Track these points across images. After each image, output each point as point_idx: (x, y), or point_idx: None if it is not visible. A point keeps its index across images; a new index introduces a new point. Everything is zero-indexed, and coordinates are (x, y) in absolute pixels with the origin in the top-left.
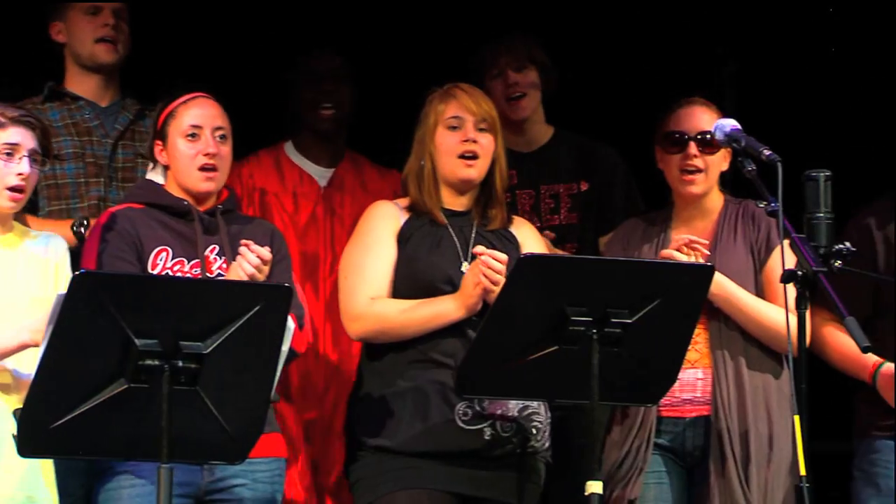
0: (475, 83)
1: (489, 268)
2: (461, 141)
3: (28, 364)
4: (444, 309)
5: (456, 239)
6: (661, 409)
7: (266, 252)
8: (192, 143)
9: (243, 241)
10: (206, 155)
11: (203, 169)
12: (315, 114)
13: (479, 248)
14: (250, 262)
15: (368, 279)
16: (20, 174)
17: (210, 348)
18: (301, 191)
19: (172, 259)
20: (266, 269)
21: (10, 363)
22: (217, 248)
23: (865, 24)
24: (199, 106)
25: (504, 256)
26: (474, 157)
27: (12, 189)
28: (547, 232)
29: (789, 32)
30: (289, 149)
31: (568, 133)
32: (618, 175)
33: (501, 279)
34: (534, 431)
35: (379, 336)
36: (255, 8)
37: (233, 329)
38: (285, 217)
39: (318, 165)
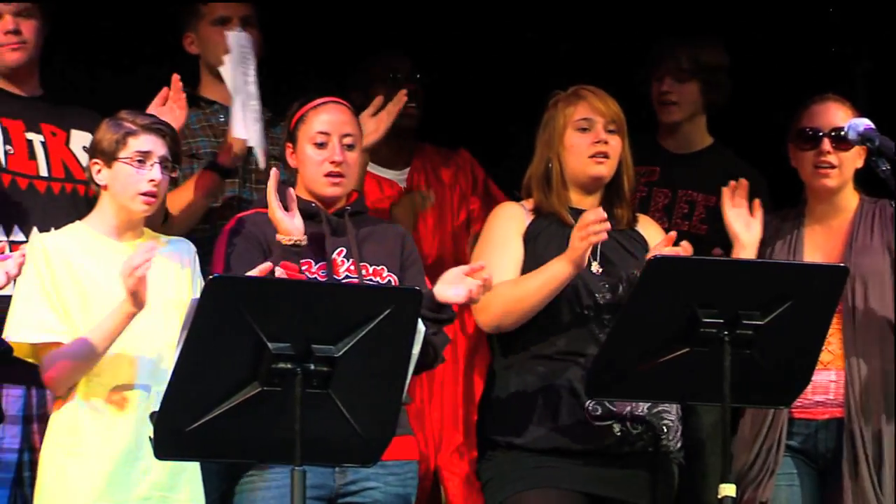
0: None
1: (592, 224)
2: (592, 142)
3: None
4: (554, 271)
5: None
6: (792, 410)
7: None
8: (320, 150)
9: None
10: (333, 163)
11: (329, 175)
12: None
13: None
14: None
15: (497, 277)
16: (152, 180)
17: (342, 351)
18: (385, 197)
19: (300, 261)
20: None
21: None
22: (344, 250)
23: None
24: (328, 112)
25: (602, 212)
26: (605, 156)
27: (145, 195)
28: (716, 249)
29: None
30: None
31: (727, 150)
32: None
33: (604, 233)
34: (664, 430)
35: (505, 318)
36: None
37: (364, 332)
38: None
39: (392, 170)
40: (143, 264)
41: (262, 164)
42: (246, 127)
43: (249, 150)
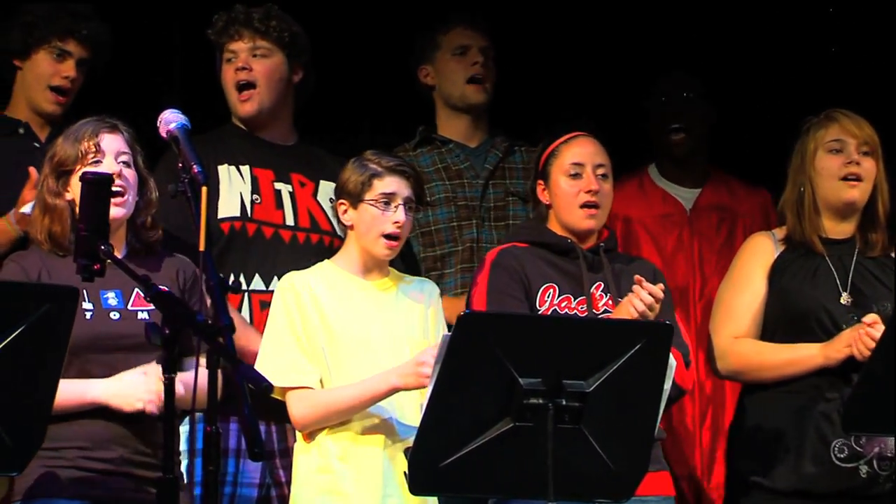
0: None
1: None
2: (844, 164)
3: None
4: (804, 356)
5: (833, 269)
6: None
7: (658, 290)
8: (574, 181)
9: (637, 278)
10: (588, 192)
11: (585, 206)
12: (667, 138)
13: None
14: (643, 299)
15: (733, 317)
16: (396, 222)
17: (593, 386)
18: (666, 214)
19: (559, 296)
20: (657, 307)
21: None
22: (602, 284)
23: None
24: (579, 144)
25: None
26: (857, 179)
27: (388, 237)
28: None
29: None
30: (652, 172)
31: None
32: None
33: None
34: None
35: (739, 376)
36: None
37: (615, 367)
38: (650, 245)
39: (681, 187)
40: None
41: None
42: None
43: (487, 181)
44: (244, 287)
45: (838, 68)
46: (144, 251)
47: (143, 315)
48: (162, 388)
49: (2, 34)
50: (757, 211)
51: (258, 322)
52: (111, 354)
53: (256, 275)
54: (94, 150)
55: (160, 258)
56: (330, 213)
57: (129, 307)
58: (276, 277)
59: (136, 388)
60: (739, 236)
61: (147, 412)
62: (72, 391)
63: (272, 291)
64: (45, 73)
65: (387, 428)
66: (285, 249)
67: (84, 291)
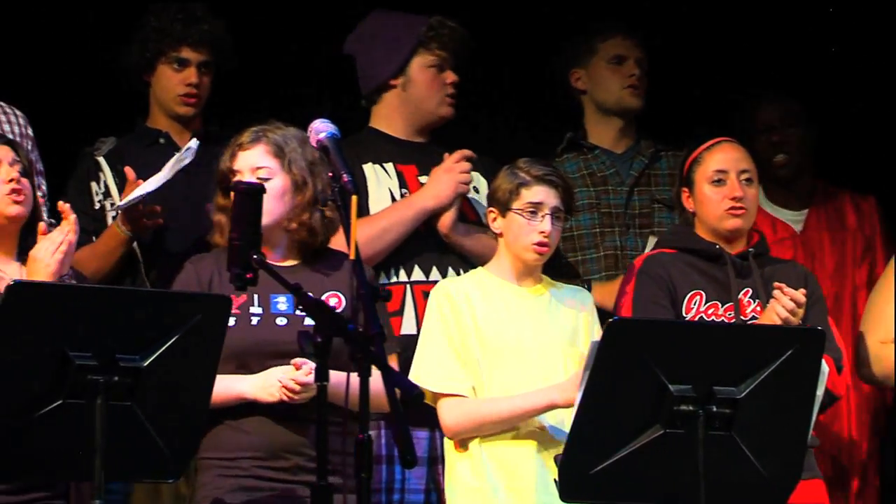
0: None
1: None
2: None
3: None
4: None
5: None
6: None
7: (800, 295)
8: (718, 188)
9: (776, 284)
10: (733, 199)
11: (731, 210)
12: (769, 163)
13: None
14: (784, 305)
15: (884, 322)
16: (542, 232)
17: (744, 393)
18: (778, 240)
19: (706, 303)
20: (801, 311)
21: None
22: (750, 290)
23: None
24: (723, 151)
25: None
26: None
27: (536, 245)
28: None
29: None
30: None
31: None
32: None
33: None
34: None
35: (885, 381)
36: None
37: (766, 373)
38: None
39: (788, 210)
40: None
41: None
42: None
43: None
44: (405, 279)
45: None
46: (312, 257)
47: (309, 321)
48: (307, 381)
49: (125, 52)
50: (866, 224)
51: (422, 312)
52: (273, 360)
53: (416, 266)
54: (230, 171)
55: (334, 263)
56: (475, 204)
57: (298, 312)
58: (434, 267)
59: (279, 379)
60: (849, 251)
61: (288, 400)
62: (221, 386)
63: (433, 281)
64: (170, 84)
65: (540, 435)
66: (439, 240)
67: (255, 296)
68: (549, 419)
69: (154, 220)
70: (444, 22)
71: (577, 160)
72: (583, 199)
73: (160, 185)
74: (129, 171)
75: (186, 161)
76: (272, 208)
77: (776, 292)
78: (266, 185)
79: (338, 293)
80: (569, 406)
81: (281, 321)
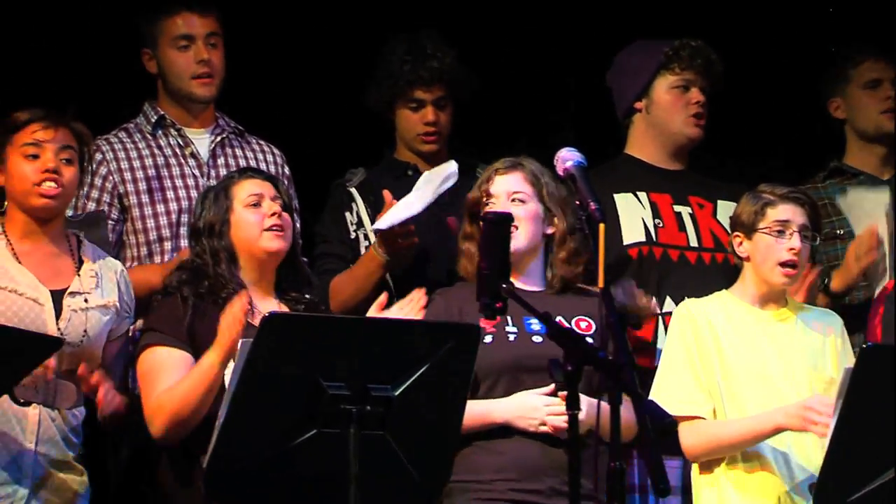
0: None
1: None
2: None
3: None
4: None
5: None
6: None
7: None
8: None
9: None
10: None
11: None
12: None
13: None
14: None
15: None
16: (791, 249)
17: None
18: None
19: None
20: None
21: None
22: None
23: None
24: None
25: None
26: None
27: (783, 265)
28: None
29: None
30: None
31: None
32: None
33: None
34: None
35: None
36: None
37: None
38: None
39: None
40: None
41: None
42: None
43: None
44: (658, 310)
45: None
46: (561, 286)
47: None
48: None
49: (367, 91)
50: None
51: None
52: (528, 375)
53: (668, 297)
54: (486, 194)
55: (583, 293)
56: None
57: None
58: (686, 299)
59: (538, 409)
60: None
61: (553, 432)
62: (475, 412)
63: None
64: (409, 124)
65: (784, 463)
66: (692, 271)
67: (508, 317)
68: (793, 448)
69: (409, 240)
70: (688, 42)
71: (842, 185)
72: (847, 227)
73: (424, 207)
74: (387, 194)
75: (451, 183)
76: (525, 233)
77: None
78: (521, 208)
79: (587, 318)
80: (794, 429)
81: (537, 339)
